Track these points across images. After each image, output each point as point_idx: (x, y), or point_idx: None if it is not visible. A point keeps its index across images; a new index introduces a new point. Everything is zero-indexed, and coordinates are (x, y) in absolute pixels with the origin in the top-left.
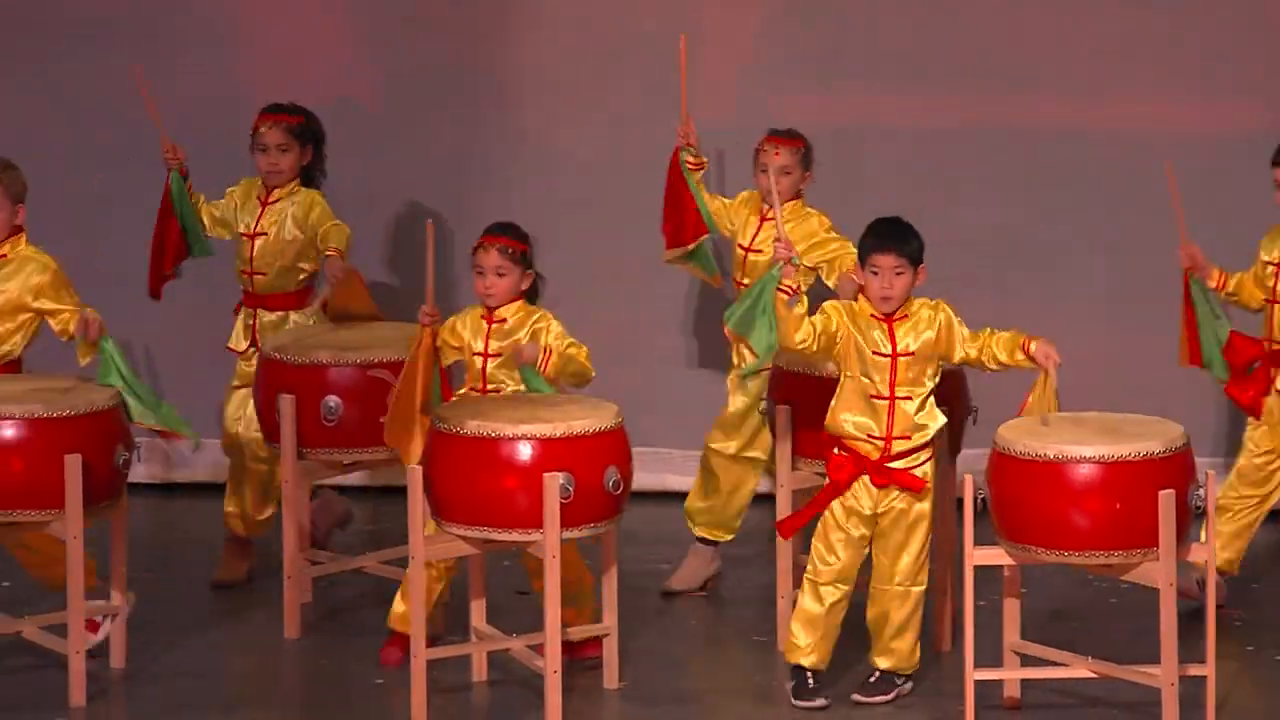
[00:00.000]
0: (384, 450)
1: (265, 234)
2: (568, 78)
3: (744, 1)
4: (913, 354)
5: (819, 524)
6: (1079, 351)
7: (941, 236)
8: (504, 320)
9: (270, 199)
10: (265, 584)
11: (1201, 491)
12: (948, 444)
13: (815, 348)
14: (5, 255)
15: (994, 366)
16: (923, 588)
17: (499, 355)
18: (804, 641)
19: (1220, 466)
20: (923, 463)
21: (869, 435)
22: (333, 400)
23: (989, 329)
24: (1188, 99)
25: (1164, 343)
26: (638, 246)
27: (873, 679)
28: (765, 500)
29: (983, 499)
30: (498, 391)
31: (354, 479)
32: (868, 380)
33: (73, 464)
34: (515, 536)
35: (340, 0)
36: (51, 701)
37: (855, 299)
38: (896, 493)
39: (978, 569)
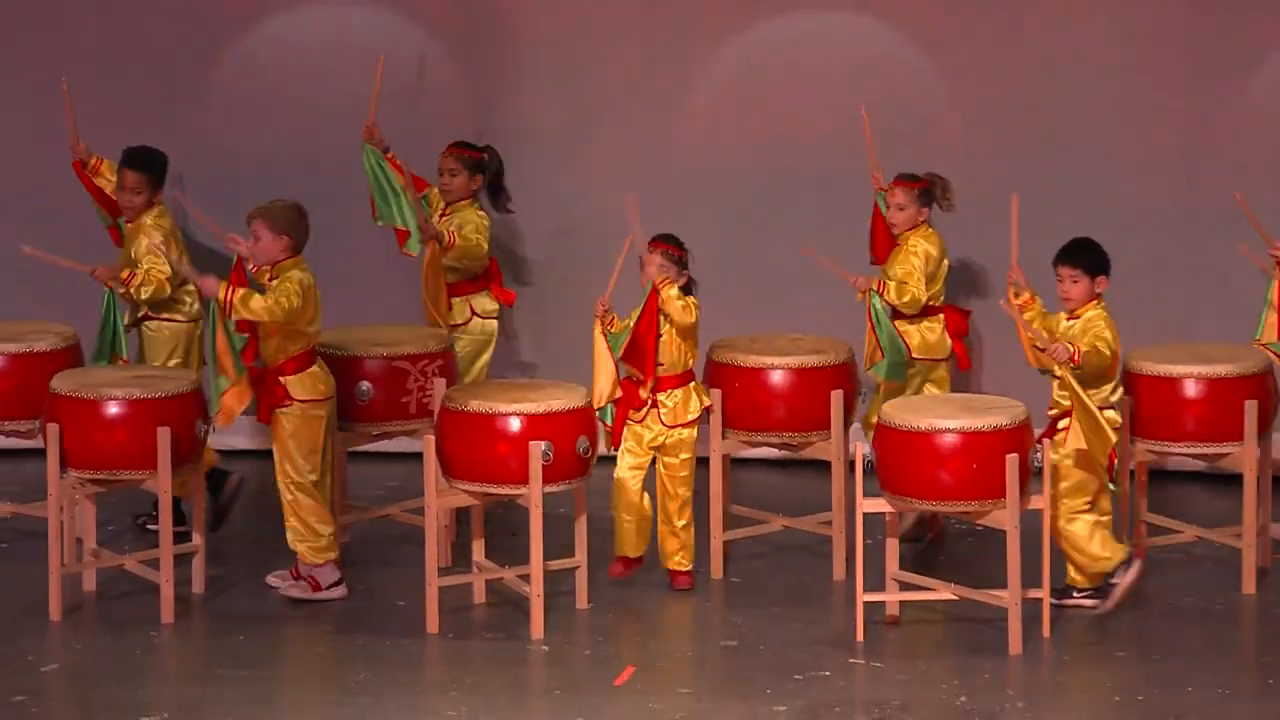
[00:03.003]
0: (404, 423)
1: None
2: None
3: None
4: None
5: None
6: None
7: None
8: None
9: (445, 212)
10: None
11: (1039, 455)
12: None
13: None
14: (274, 274)
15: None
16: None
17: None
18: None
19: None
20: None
21: None
22: (365, 385)
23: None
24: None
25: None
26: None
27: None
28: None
29: (869, 460)
30: (661, 364)
31: (382, 446)
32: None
33: (163, 435)
34: (507, 490)
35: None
36: (147, 619)
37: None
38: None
39: (865, 515)
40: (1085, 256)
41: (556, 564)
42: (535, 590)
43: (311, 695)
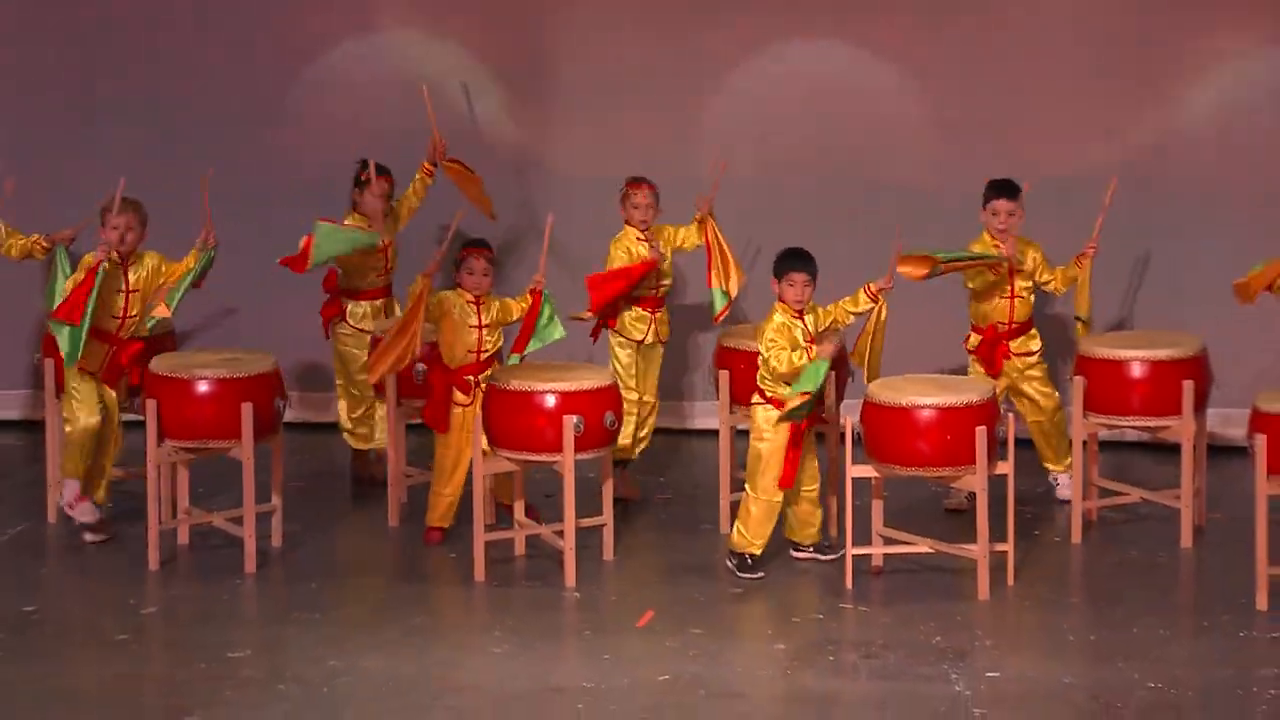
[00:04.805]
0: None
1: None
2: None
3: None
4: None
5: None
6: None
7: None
8: (484, 304)
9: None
10: (373, 490)
11: (1004, 428)
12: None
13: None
14: (136, 260)
15: (849, 319)
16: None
17: (488, 327)
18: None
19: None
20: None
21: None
22: (420, 366)
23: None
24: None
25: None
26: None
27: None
28: (704, 435)
29: (857, 433)
30: (486, 350)
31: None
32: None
33: (246, 409)
34: (543, 458)
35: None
36: (232, 568)
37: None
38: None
39: (854, 479)
40: (813, 264)
41: (587, 521)
42: (568, 544)
43: (375, 635)
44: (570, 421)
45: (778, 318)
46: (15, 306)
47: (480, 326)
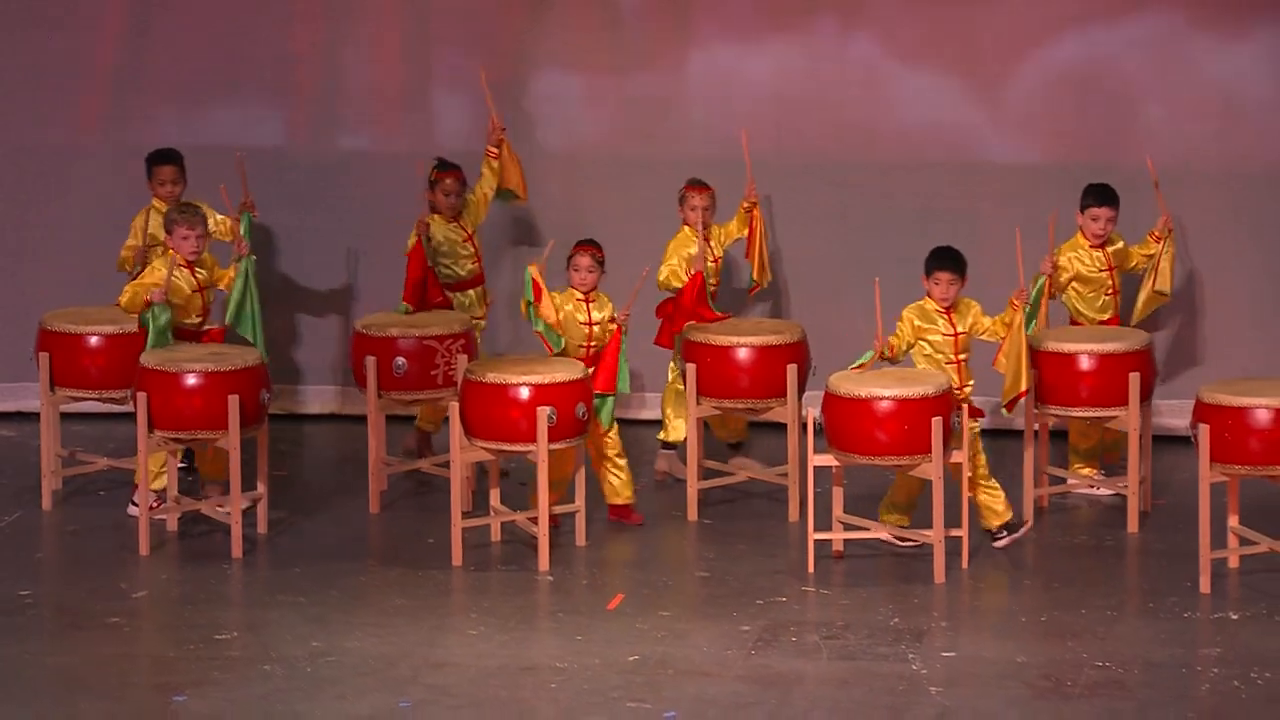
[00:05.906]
0: (433, 392)
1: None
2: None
3: None
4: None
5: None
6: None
7: None
8: (594, 300)
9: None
10: (355, 479)
11: (958, 419)
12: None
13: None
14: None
15: (1003, 331)
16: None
17: (599, 323)
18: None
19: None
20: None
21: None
22: (400, 360)
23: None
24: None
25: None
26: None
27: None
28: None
29: (818, 423)
30: (595, 345)
31: (414, 410)
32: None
33: (233, 402)
34: (518, 448)
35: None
36: (220, 553)
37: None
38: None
39: (816, 468)
40: (961, 263)
41: (560, 509)
42: (542, 530)
43: (356, 617)
44: (544, 413)
45: (914, 308)
46: (11, 302)
47: (590, 323)
